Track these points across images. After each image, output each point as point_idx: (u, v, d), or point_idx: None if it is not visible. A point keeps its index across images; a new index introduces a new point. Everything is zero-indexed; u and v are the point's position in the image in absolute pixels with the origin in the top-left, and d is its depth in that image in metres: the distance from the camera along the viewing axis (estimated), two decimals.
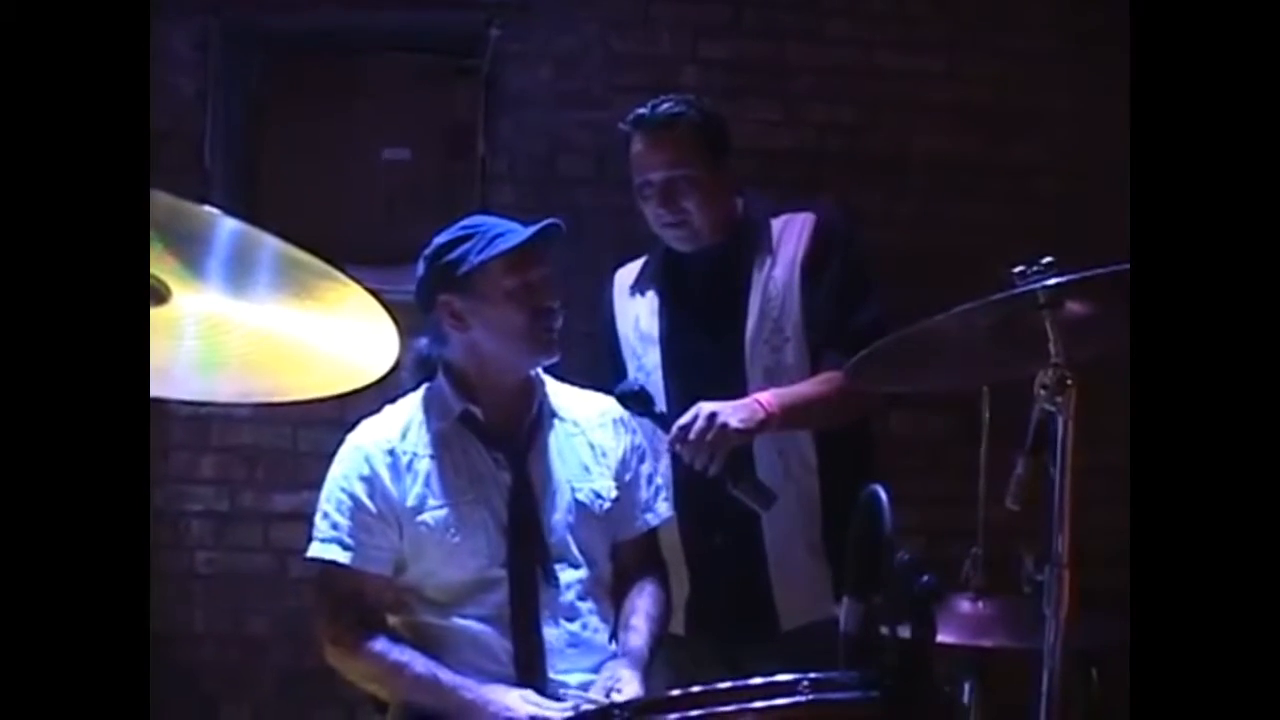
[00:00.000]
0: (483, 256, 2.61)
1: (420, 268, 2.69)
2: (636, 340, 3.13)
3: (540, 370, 2.76)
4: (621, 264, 3.27)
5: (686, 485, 2.96)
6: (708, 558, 3.01)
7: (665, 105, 3.06)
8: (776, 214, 3.12)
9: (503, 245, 2.61)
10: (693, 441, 2.77)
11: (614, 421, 2.83)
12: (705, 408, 2.79)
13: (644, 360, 3.11)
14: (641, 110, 3.07)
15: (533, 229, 2.63)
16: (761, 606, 3.00)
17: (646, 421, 2.89)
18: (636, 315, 3.15)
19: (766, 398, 2.88)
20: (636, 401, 2.86)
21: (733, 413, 2.81)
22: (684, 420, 2.79)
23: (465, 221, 2.71)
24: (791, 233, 3.07)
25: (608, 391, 2.88)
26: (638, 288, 3.18)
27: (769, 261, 3.05)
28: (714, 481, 2.79)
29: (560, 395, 2.80)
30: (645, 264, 3.21)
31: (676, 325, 3.10)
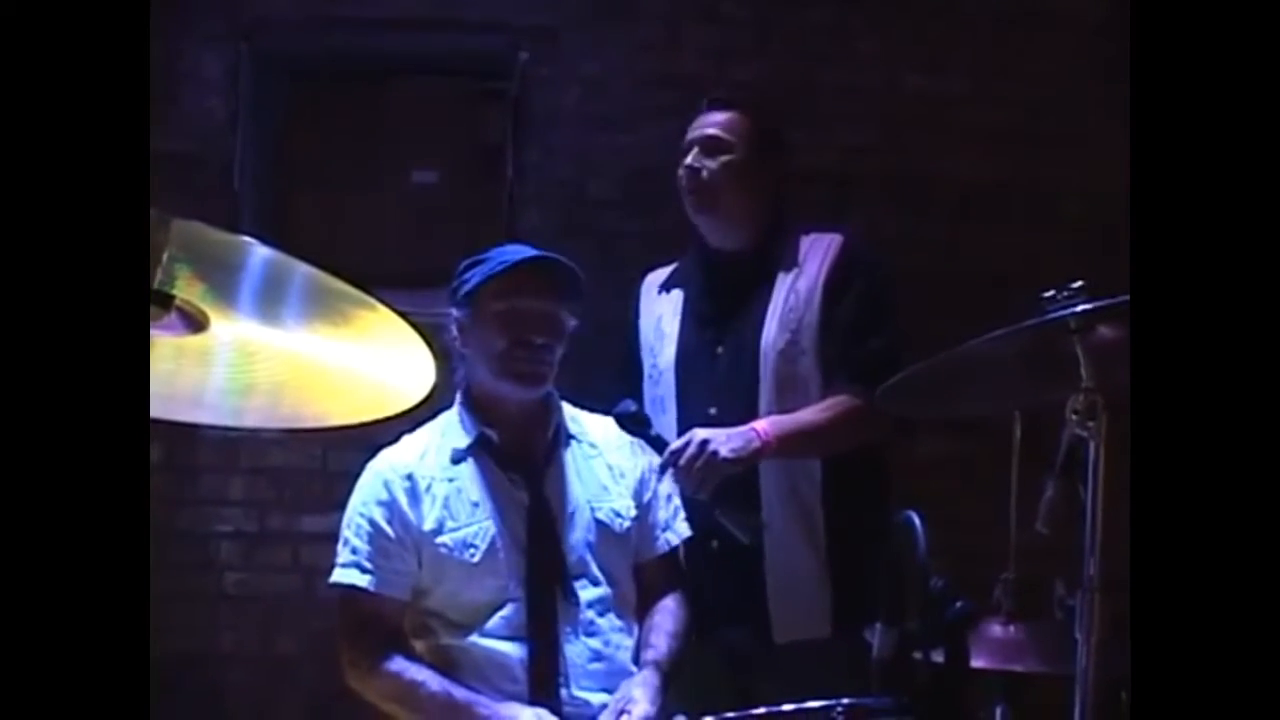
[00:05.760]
0: (479, 278, 2.67)
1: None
2: (655, 338, 3.17)
3: (556, 394, 2.79)
4: (652, 268, 3.32)
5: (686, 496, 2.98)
6: (703, 562, 2.99)
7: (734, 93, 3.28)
8: (807, 231, 3.17)
9: (491, 269, 2.67)
10: (683, 467, 2.81)
11: (631, 443, 2.86)
12: (699, 434, 2.84)
13: (659, 358, 3.14)
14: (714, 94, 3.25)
15: (526, 254, 2.69)
16: (755, 615, 3.00)
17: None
18: (660, 314, 3.19)
19: (764, 426, 2.91)
20: (632, 422, 2.90)
21: (725, 441, 2.84)
22: (676, 445, 2.84)
23: (498, 246, 2.77)
24: (818, 250, 3.11)
25: (605, 411, 2.90)
26: (665, 287, 3.24)
27: (794, 274, 3.08)
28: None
29: (578, 418, 2.84)
30: (677, 267, 3.26)
31: (695, 324, 3.14)
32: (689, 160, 3.12)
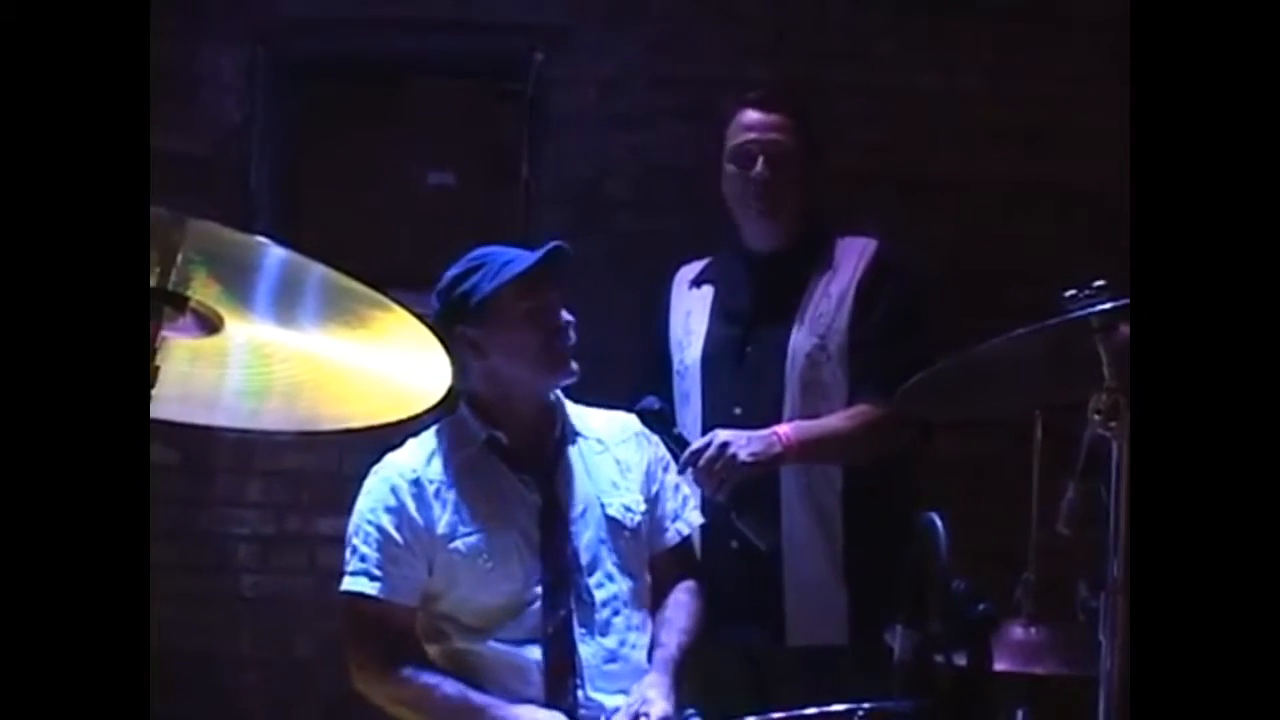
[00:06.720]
0: (494, 284, 2.65)
1: (434, 303, 2.72)
2: (683, 334, 3.15)
3: (560, 392, 2.77)
4: (685, 263, 3.28)
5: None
6: (721, 561, 2.96)
7: (775, 92, 3.21)
8: (842, 234, 3.15)
9: (512, 271, 2.65)
10: (702, 468, 2.80)
11: (636, 436, 2.85)
12: (720, 436, 2.82)
13: (685, 354, 3.12)
14: (752, 94, 3.18)
15: (540, 252, 2.67)
16: (771, 617, 2.98)
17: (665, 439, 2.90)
18: (689, 310, 3.17)
19: (786, 430, 2.89)
20: (655, 419, 2.89)
21: (746, 444, 2.82)
22: (697, 445, 2.83)
23: (473, 254, 2.74)
24: (852, 253, 3.09)
25: (628, 408, 2.89)
26: (697, 283, 3.20)
27: (827, 277, 3.06)
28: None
29: (581, 415, 2.82)
30: (709, 263, 3.23)
31: (725, 322, 3.12)
32: (759, 169, 3.05)
